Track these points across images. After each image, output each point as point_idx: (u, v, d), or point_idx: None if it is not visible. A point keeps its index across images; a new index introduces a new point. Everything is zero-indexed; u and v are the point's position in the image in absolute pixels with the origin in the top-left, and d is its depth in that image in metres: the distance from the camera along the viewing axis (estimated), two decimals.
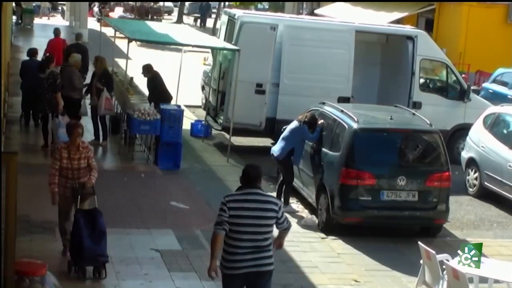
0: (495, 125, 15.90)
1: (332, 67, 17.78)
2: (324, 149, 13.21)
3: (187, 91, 22.02)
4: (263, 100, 17.46)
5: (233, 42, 17.36)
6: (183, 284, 10.00)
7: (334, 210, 12.47)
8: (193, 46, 18.73)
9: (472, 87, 19.72)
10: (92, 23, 41.27)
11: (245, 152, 17.76)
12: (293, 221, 12.92)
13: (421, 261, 9.80)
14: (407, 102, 17.85)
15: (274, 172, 14.99)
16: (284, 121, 15.50)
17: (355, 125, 12.62)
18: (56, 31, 22.78)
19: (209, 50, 22.44)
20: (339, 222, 12.60)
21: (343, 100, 17.24)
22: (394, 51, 19.10)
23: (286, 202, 13.69)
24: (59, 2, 57.78)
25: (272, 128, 17.46)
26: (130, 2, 59.29)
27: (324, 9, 36.16)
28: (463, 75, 20.95)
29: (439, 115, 17.52)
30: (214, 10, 58.15)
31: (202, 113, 21.27)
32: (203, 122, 19.28)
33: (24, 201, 10.75)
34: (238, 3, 51.99)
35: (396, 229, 13.02)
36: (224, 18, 19.55)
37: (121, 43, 22.76)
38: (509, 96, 23.05)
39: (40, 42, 27.37)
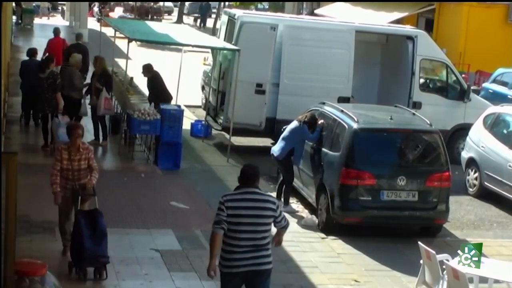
0: (495, 125, 15.90)
1: (332, 67, 17.78)
2: (324, 149, 13.21)
3: (187, 91, 22.02)
4: (263, 100, 17.47)
5: (233, 42, 17.37)
6: (183, 284, 10.00)
7: (334, 210, 12.47)
8: (193, 46, 18.73)
9: (472, 87, 19.72)
10: (92, 23, 41.28)
11: (245, 152, 17.76)
12: (293, 221, 12.94)
13: (421, 261, 9.80)
14: (407, 102, 17.85)
15: (274, 172, 14.99)
16: (284, 121, 15.50)
17: (355, 125, 12.62)
18: (56, 31, 22.80)
19: (209, 50, 22.44)
20: (339, 222, 12.60)
21: (343, 100, 17.24)
22: (394, 51, 19.10)
23: (286, 202, 13.69)
24: (59, 2, 57.80)
25: (272, 128, 17.46)
26: (130, 2, 59.29)
27: (324, 9, 36.16)
28: (463, 75, 20.95)
29: (439, 115, 17.52)
30: (214, 10, 58.15)
31: (202, 113, 21.27)
32: (203, 122, 19.28)
33: (24, 201, 10.75)
34: (238, 3, 52.00)
35: (396, 229, 13.02)
36: (224, 18, 19.55)
37: (121, 43, 22.76)
38: (509, 96, 23.05)
39: (40, 42, 27.36)
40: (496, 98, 21.98)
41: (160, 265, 10.51)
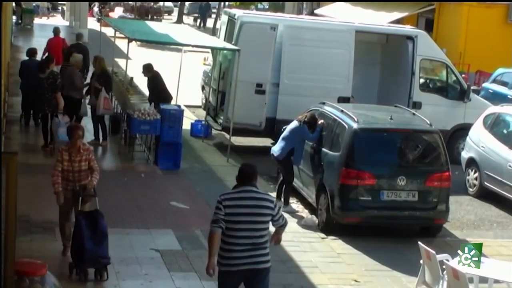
0: (495, 125, 15.90)
1: (332, 67, 17.78)
2: (324, 149, 13.21)
3: (187, 91, 22.02)
4: (263, 100, 17.47)
5: (233, 42, 17.37)
6: (183, 284, 10.00)
7: (334, 210, 12.47)
8: (193, 46, 18.73)
9: (472, 87, 19.71)
10: (92, 23, 41.28)
11: (245, 152, 17.76)
12: (293, 221, 12.95)
13: (421, 261, 9.80)
14: (407, 102, 17.84)
15: (274, 172, 15.00)
16: (284, 121, 15.50)
17: (355, 125, 12.62)
18: (56, 30, 22.82)
19: (209, 50, 22.44)
20: (339, 222, 12.60)
21: (343, 100, 17.24)
22: (394, 51, 19.10)
23: (286, 202, 13.69)
24: (59, 2, 57.81)
25: (272, 128, 17.46)
26: (130, 2, 59.30)
27: (324, 9, 36.16)
28: (463, 75, 20.95)
29: (439, 115, 17.52)
30: (214, 10, 58.16)
31: (202, 113, 21.27)
32: (203, 122, 19.28)
33: (24, 201, 10.75)
34: (238, 3, 52.00)
35: (396, 229, 13.01)
36: (224, 18, 19.55)
37: (121, 43, 22.76)
38: (509, 96, 23.04)
39: (40, 42, 27.35)
40: (496, 98, 21.98)
41: (160, 265, 10.51)
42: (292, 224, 12.75)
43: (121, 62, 22.98)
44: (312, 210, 13.56)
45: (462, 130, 17.97)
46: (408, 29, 19.82)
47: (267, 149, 15.41)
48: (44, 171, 13.20)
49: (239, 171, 7.87)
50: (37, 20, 44.58)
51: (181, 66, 18.90)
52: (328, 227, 12.64)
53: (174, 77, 19.26)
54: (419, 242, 9.84)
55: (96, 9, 54.16)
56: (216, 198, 7.76)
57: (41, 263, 8.06)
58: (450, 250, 10.77)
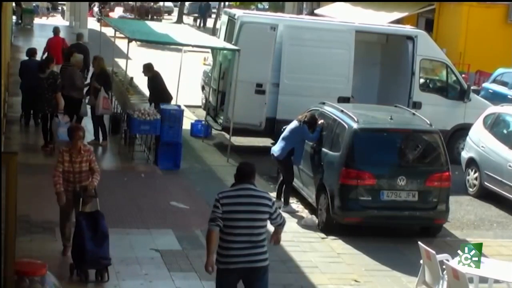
0: (495, 125, 15.90)
1: (332, 67, 17.78)
2: (324, 149, 13.21)
3: (187, 91, 22.02)
4: (263, 100, 17.47)
5: (233, 42, 17.36)
6: (183, 284, 10.00)
7: (334, 210, 12.47)
8: (193, 46, 18.73)
9: (472, 87, 19.72)
10: (92, 23, 41.28)
11: (245, 152, 17.76)
12: (293, 221, 12.95)
13: (421, 261, 9.80)
14: (407, 102, 17.85)
15: (274, 172, 15.00)
16: (284, 121, 15.50)
17: (355, 125, 12.62)
18: (56, 30, 22.86)
19: (209, 50, 22.44)
20: (339, 222, 12.60)
21: (343, 100, 17.24)
22: (394, 51, 19.10)
23: (286, 202, 13.69)
24: (59, 2, 57.81)
25: (272, 128, 17.46)
26: (130, 2, 59.31)
27: (324, 9, 36.16)
28: (463, 75, 20.95)
29: (439, 115, 17.52)
30: (214, 10, 58.16)
31: (202, 113, 21.28)
32: (203, 122, 19.28)
33: (24, 201, 10.76)
34: (238, 3, 52.01)
35: (396, 229, 13.01)
36: (224, 18, 19.55)
37: (121, 43, 22.75)
38: (509, 96, 23.04)
39: (40, 42, 27.35)
40: (496, 98, 21.98)
41: (160, 265, 10.51)
42: (292, 224, 12.76)
43: (121, 62, 22.98)
44: (312, 210, 13.56)
45: (462, 130, 17.97)
46: (408, 29, 19.82)
47: (267, 149, 15.41)
48: (44, 171, 13.21)
49: (237, 169, 7.90)
50: (37, 20, 44.59)
51: (181, 66, 18.90)
52: (328, 227, 12.64)
53: (174, 77, 19.26)
54: (419, 242, 9.84)
55: (96, 9, 54.17)
56: None
57: (41, 263, 8.06)
58: (450, 250, 10.77)
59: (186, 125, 18.15)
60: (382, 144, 12.86)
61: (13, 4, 36.58)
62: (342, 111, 13.40)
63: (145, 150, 16.62)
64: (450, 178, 12.77)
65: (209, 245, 7.67)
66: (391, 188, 12.40)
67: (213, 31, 43.01)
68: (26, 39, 35.15)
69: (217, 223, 7.59)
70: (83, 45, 21.70)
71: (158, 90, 17.14)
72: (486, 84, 25.38)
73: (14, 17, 38.67)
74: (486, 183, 15.46)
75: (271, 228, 8.12)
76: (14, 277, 7.17)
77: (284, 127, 14.18)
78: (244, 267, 7.68)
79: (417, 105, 17.89)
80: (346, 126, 12.76)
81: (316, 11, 36.74)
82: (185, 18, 56.73)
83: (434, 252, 9.53)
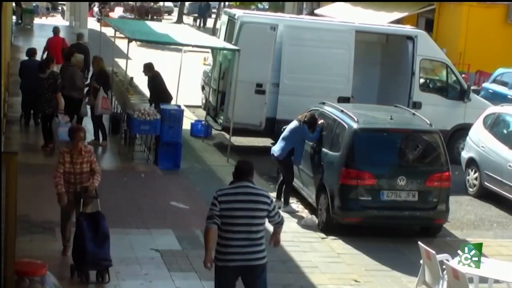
0: (495, 125, 15.90)
1: (332, 67, 17.78)
2: (324, 149, 13.21)
3: (187, 91, 22.02)
4: (263, 100, 17.47)
5: (233, 42, 17.36)
6: (183, 284, 10.00)
7: (334, 210, 12.47)
8: (193, 46, 18.73)
9: (472, 87, 19.71)
10: (92, 23, 41.28)
11: (245, 152, 17.75)
12: (293, 221, 12.95)
13: (421, 261, 9.80)
14: (407, 102, 17.84)
15: (274, 172, 15.00)
16: (284, 121, 15.50)
17: (355, 125, 12.62)
18: (55, 30, 22.88)
19: (209, 50, 22.44)
20: (339, 222, 12.59)
21: (343, 100, 17.24)
22: (394, 51, 19.10)
23: (286, 202, 13.69)
24: (59, 2, 57.81)
25: (272, 128, 17.46)
26: (130, 2, 59.32)
27: (324, 9, 36.17)
28: (463, 75, 20.95)
29: (439, 115, 17.52)
30: (214, 10, 58.16)
31: (202, 113, 21.27)
32: (203, 122, 19.28)
33: (24, 201, 10.76)
34: (238, 3, 52.02)
35: (396, 229, 13.01)
36: (224, 18, 19.55)
37: (121, 43, 22.74)
38: (509, 96, 23.04)
39: (40, 42, 27.34)
40: (496, 98, 21.98)
41: (160, 265, 10.51)
42: (292, 224, 12.76)
43: (121, 62, 22.98)
44: (312, 210, 13.56)
45: (462, 130, 17.97)
46: (408, 29, 19.82)
47: (267, 149, 15.41)
48: (44, 171, 13.22)
49: (235, 167, 7.96)
50: (37, 20, 44.59)
51: (181, 66, 18.90)
52: (328, 227, 12.64)
53: (174, 77, 19.25)
54: (419, 242, 9.83)
55: (96, 9, 54.17)
56: None
57: (41, 263, 8.06)
58: (450, 250, 10.77)
59: (186, 125, 18.15)
60: (382, 144, 12.86)
61: (13, 4, 36.57)
62: (342, 111, 13.40)
63: (145, 150, 16.62)
64: (450, 178, 12.77)
65: (207, 243, 7.74)
66: (391, 188, 12.40)
67: (213, 31, 43.01)
68: (26, 39, 35.15)
69: (214, 221, 7.65)
70: (84, 45, 21.71)
71: (158, 90, 17.14)
72: (486, 84, 25.38)
73: (14, 17, 38.67)
74: (486, 183, 15.46)
75: (271, 228, 8.13)
76: (14, 277, 7.17)
77: (284, 127, 14.18)
78: (243, 265, 7.71)
79: (417, 105, 17.89)
80: (346, 126, 12.76)
81: (316, 11, 36.74)
82: (185, 18, 56.73)
83: (434, 252, 9.53)
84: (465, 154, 16.40)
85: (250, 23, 17.53)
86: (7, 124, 17.59)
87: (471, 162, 16.01)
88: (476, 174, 15.79)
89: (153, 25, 22.58)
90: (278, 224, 8.06)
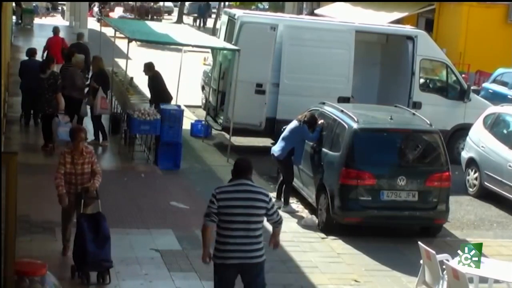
0: (495, 125, 15.90)
1: (332, 67, 17.78)
2: (324, 149, 13.21)
3: (187, 91, 22.02)
4: (263, 100, 17.47)
5: (233, 42, 17.36)
6: (183, 284, 10.00)
7: (334, 210, 12.47)
8: (193, 46, 18.73)
9: (472, 87, 19.72)
10: (92, 23, 41.28)
11: (245, 152, 17.69)
12: (293, 221, 12.95)
13: (421, 261, 9.80)
14: (407, 102, 17.85)
15: (274, 172, 15.00)
16: (284, 121, 15.50)
17: (355, 125, 12.62)
18: (55, 30, 22.91)
19: (209, 50, 22.44)
20: (339, 222, 12.59)
21: (343, 100, 17.25)
22: (394, 51, 19.11)
23: (286, 202, 13.69)
24: (59, 2, 57.82)
25: (272, 128, 17.47)
26: (130, 2, 59.33)
27: (324, 9, 36.17)
28: (463, 75, 20.95)
29: (439, 115, 17.53)
30: (214, 10, 58.17)
31: (202, 113, 21.27)
32: (203, 122, 19.28)
33: (24, 201, 10.76)
34: (238, 3, 52.02)
35: (396, 229, 13.01)
36: (224, 18, 19.55)
37: (121, 43, 22.75)
38: (509, 96, 23.05)
39: (40, 42, 27.34)
40: (496, 98, 21.98)
41: (160, 265, 10.51)
42: (292, 224, 12.76)
43: (121, 62, 22.97)
44: (312, 210, 13.56)
45: (462, 130, 17.98)
46: (408, 29, 19.82)
47: (267, 149, 15.41)
48: (44, 171, 13.22)
49: (234, 165, 7.99)
50: (37, 20, 44.59)
51: (181, 66, 18.90)
52: (328, 227, 12.64)
53: (174, 77, 19.25)
54: (419, 242, 9.83)
55: (96, 9, 54.19)
56: None
57: (41, 263, 8.06)
58: (450, 250, 10.77)
59: (186, 125, 18.15)
60: (382, 144, 12.86)
61: (13, 4, 36.58)
62: (342, 111, 13.40)
63: (145, 150, 16.62)
64: (450, 178, 12.77)
65: (204, 240, 7.82)
66: (391, 188, 12.40)
67: (213, 31, 43.02)
68: (26, 39, 35.15)
69: (211, 218, 7.70)
70: (84, 45, 21.71)
71: (158, 90, 17.15)
72: (486, 84, 25.38)
73: (14, 17, 38.68)
74: (486, 183, 15.46)
75: (270, 228, 8.13)
76: (14, 277, 7.17)
77: (284, 127, 14.17)
78: (241, 263, 7.74)
79: (417, 105, 17.89)
80: (346, 126, 12.76)
81: (316, 11, 36.75)
82: (185, 18, 56.74)
83: (434, 252, 9.53)
84: (465, 154, 16.40)
85: (250, 23, 17.53)
86: (7, 124, 17.59)
87: (471, 162, 16.01)
88: (476, 174, 15.79)
89: (153, 25, 22.58)
90: (277, 224, 8.06)
